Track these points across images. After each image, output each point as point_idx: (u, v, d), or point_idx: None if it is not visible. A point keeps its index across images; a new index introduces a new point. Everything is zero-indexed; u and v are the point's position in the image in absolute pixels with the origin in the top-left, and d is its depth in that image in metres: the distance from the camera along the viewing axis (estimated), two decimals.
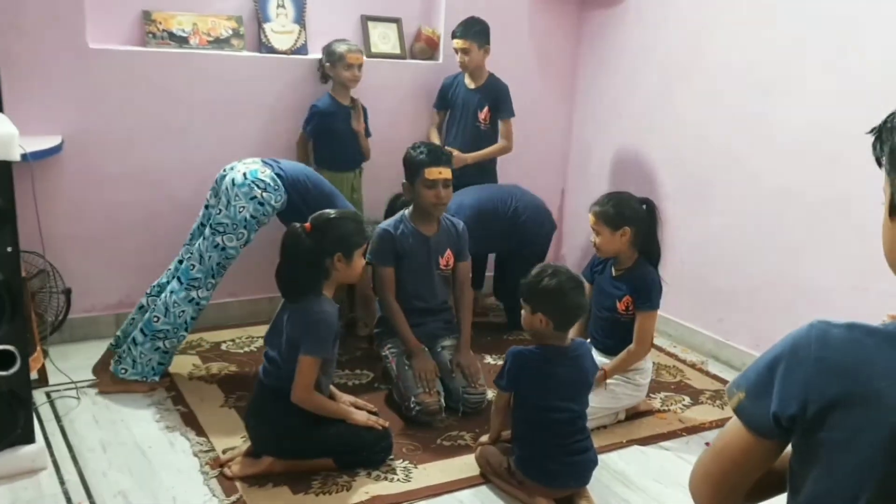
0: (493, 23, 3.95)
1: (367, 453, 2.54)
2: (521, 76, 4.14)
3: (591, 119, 4.27)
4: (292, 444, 2.48)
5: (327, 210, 2.59)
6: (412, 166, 2.95)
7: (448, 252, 3.09)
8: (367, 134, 3.69)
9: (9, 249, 2.33)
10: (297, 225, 2.47)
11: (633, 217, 2.84)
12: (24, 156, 2.62)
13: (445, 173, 2.92)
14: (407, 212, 3.04)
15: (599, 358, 2.87)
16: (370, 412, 2.71)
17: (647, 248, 2.92)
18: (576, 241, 4.31)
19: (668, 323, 3.86)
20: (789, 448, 1.04)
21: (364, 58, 3.55)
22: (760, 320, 3.44)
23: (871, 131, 1.03)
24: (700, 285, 3.70)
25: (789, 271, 3.29)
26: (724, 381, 3.39)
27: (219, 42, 3.46)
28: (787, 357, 1.01)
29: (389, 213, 3.31)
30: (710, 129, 3.58)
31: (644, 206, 2.90)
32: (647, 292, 2.86)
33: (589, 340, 2.98)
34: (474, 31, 3.63)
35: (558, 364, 2.42)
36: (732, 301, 3.56)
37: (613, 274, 2.94)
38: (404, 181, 2.99)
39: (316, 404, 2.45)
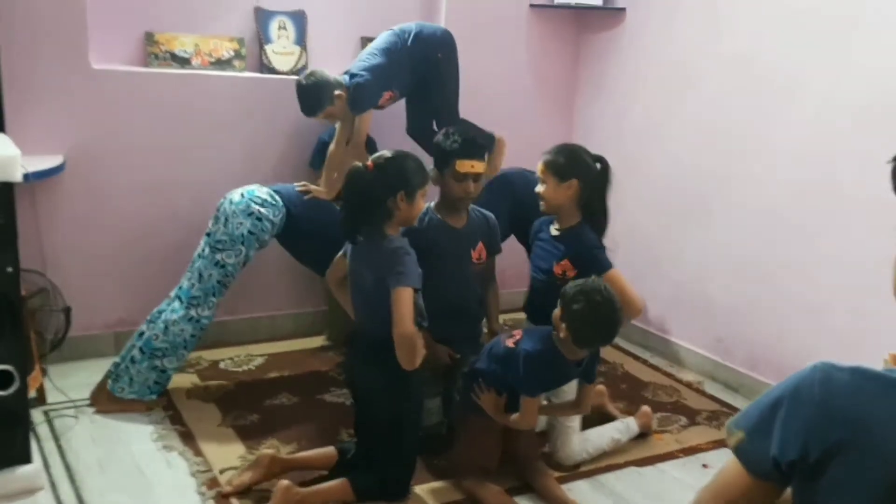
0: (492, 40, 4.02)
1: (397, 478, 2.50)
2: (519, 97, 4.19)
3: (590, 139, 4.25)
4: (389, 404, 2.42)
5: (386, 150, 2.48)
6: (443, 155, 2.74)
7: (480, 244, 2.89)
8: None
9: (9, 269, 2.35)
10: (359, 164, 2.42)
11: (582, 171, 2.69)
12: (26, 176, 2.65)
13: (478, 167, 2.73)
14: (433, 204, 2.84)
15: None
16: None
17: (593, 210, 2.76)
18: None
19: (664, 342, 3.87)
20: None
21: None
22: (758, 341, 3.45)
23: (893, 160, 1.03)
24: (698, 305, 3.71)
25: (787, 291, 3.30)
26: (720, 402, 3.40)
27: (220, 63, 3.50)
28: (788, 399, 1.00)
29: None
30: (707, 148, 3.61)
31: (598, 164, 2.75)
32: (590, 257, 2.66)
33: (523, 306, 2.93)
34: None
35: (557, 372, 2.45)
36: (730, 321, 3.57)
37: (552, 234, 2.78)
38: (433, 167, 2.78)
39: (418, 342, 2.31)
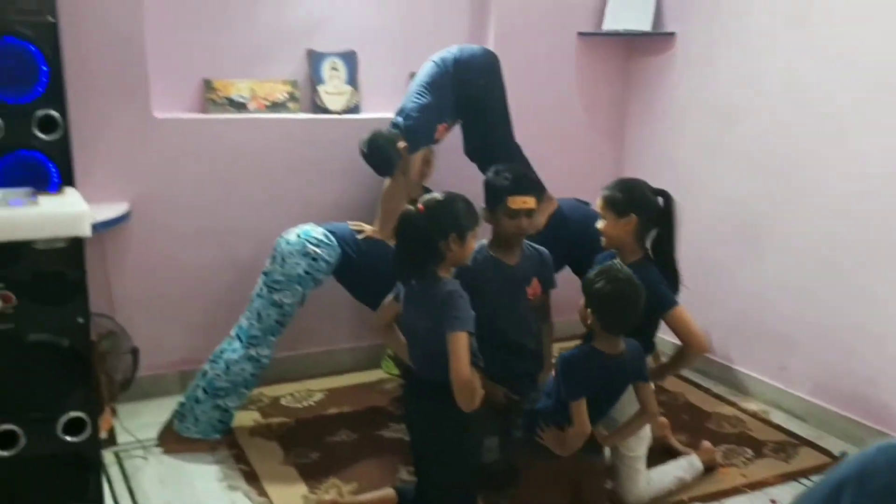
0: (540, 69, 4.04)
1: None
2: (568, 124, 4.19)
3: (641, 165, 4.25)
4: (447, 444, 2.43)
5: (436, 193, 2.51)
6: (494, 192, 2.74)
7: (534, 281, 2.87)
8: None
9: (80, 320, 2.44)
10: (411, 207, 2.44)
11: (641, 206, 2.65)
12: (94, 226, 2.76)
13: (529, 202, 2.72)
14: (485, 241, 2.83)
15: None
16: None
17: (660, 251, 2.71)
18: None
19: (726, 370, 3.79)
20: None
21: (432, 153, 3.55)
22: (823, 367, 3.36)
23: None
24: (759, 331, 3.64)
25: (851, 317, 3.21)
26: (787, 432, 3.32)
27: (276, 106, 3.59)
28: (853, 484, 0.96)
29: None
30: (761, 175, 3.55)
31: (659, 198, 2.70)
32: (653, 293, 2.52)
33: (583, 340, 2.81)
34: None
35: (597, 370, 2.40)
36: (794, 348, 3.48)
37: None
38: (483, 206, 2.79)
39: (476, 384, 2.31)
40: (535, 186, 2.84)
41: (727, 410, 3.53)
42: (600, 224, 2.71)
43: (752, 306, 3.66)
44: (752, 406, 3.57)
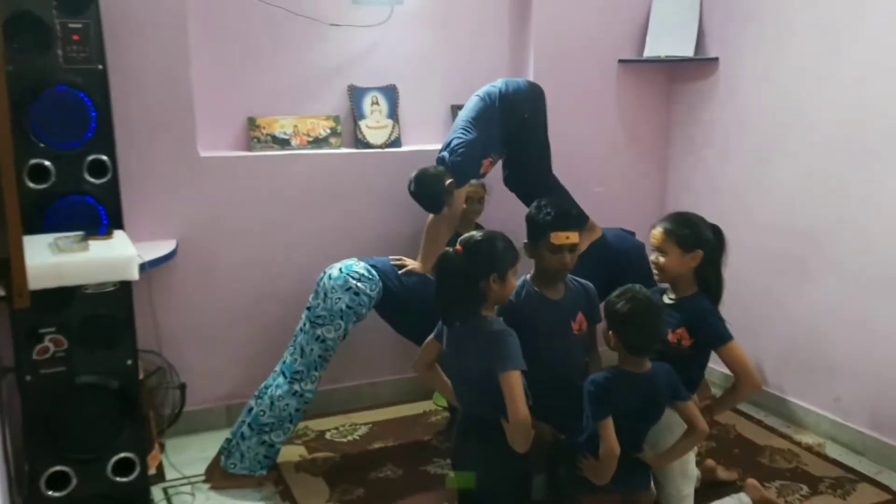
0: (582, 98, 4.01)
1: None
2: (611, 152, 4.16)
3: (686, 191, 4.20)
4: (494, 482, 2.43)
5: (475, 232, 2.51)
6: (536, 227, 2.73)
7: (580, 315, 2.83)
8: None
9: (129, 362, 2.49)
10: (450, 249, 2.45)
11: (706, 241, 2.64)
12: (142, 265, 2.82)
13: (573, 238, 2.69)
14: (528, 276, 2.82)
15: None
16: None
17: (709, 280, 2.69)
18: None
19: (779, 401, 3.69)
20: None
21: (485, 191, 3.59)
22: (880, 399, 3.24)
23: None
24: (813, 362, 3.53)
25: None
26: (845, 467, 3.21)
27: (318, 141, 3.63)
28: None
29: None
30: (812, 198, 3.46)
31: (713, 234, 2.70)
32: (709, 328, 2.57)
33: None
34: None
35: (626, 390, 2.38)
36: (848, 378, 3.38)
37: (667, 302, 2.69)
38: (525, 241, 2.78)
39: (531, 423, 2.31)
40: (577, 221, 2.81)
41: (781, 444, 3.43)
42: (660, 259, 2.65)
43: (804, 335, 3.56)
44: (807, 439, 3.47)
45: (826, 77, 3.37)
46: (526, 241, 2.79)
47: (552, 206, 2.75)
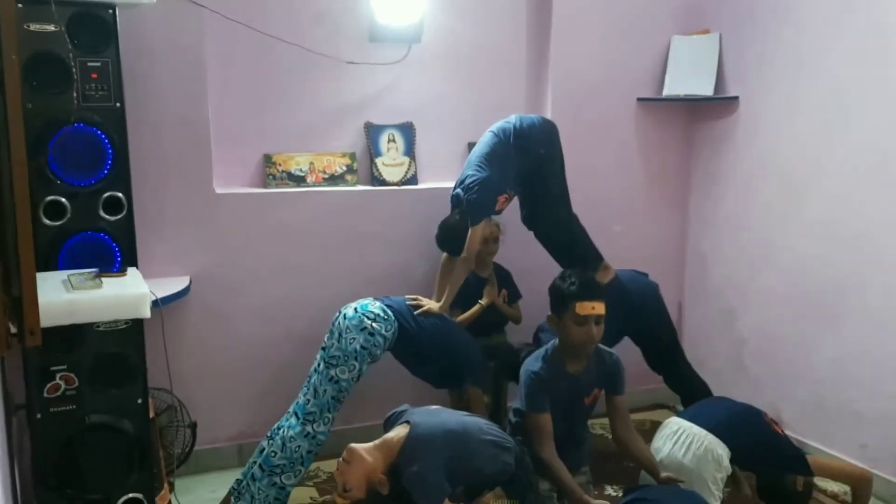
0: (600, 136, 4.00)
1: None
2: (630, 192, 4.13)
3: (707, 231, 4.14)
4: None
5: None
6: (561, 298, 2.69)
7: (594, 391, 2.84)
8: (516, 298, 3.66)
9: (139, 402, 2.45)
10: None
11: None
12: (155, 302, 2.80)
13: (599, 308, 2.64)
14: (550, 347, 2.78)
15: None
16: None
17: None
18: (698, 355, 4.10)
19: (803, 448, 3.58)
20: None
21: (500, 231, 3.58)
22: None
23: None
24: (838, 407, 3.44)
25: None
26: None
27: (333, 178, 3.62)
28: None
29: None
30: (837, 240, 3.40)
31: None
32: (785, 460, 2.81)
33: None
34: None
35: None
36: (876, 425, 3.28)
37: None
38: (550, 313, 2.75)
39: None
40: (602, 292, 2.77)
41: None
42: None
43: (829, 380, 3.47)
44: (833, 487, 3.36)
45: (848, 117, 3.33)
46: (550, 313, 2.75)
47: (577, 275, 2.73)
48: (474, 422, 2.59)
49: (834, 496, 3.28)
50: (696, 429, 2.72)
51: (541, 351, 2.80)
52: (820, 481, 3.41)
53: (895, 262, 3.16)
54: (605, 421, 3.06)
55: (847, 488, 3.32)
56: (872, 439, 3.31)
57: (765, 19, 3.70)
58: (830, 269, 3.43)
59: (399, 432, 2.48)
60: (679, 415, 2.90)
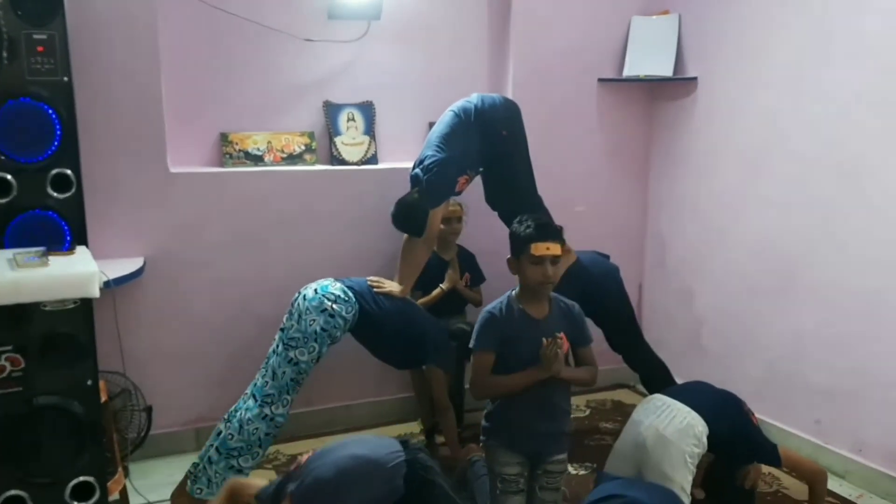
0: (561, 116, 4.00)
1: None
2: (592, 170, 4.13)
3: (666, 211, 4.17)
4: None
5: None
6: (518, 241, 2.70)
7: (562, 336, 2.71)
8: (479, 281, 3.66)
9: (89, 383, 2.39)
10: None
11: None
12: (106, 283, 2.73)
13: (554, 249, 2.65)
14: (513, 292, 2.76)
15: None
16: None
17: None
18: (658, 335, 4.13)
19: (760, 425, 3.63)
20: None
21: (463, 211, 3.55)
22: (862, 422, 3.20)
23: None
24: (792, 384, 3.49)
25: (890, 370, 3.07)
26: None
27: (292, 158, 3.57)
28: None
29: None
30: (794, 216, 3.43)
31: None
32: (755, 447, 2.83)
33: None
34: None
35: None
36: (830, 401, 3.34)
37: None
38: (509, 257, 2.75)
39: None
40: (558, 233, 2.76)
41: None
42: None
43: (786, 357, 3.52)
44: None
45: (803, 97, 3.36)
46: (509, 256, 2.74)
47: (532, 218, 2.71)
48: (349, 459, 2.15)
49: (789, 472, 3.32)
50: (679, 405, 2.74)
51: (503, 296, 2.77)
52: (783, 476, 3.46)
53: (848, 240, 3.21)
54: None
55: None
56: (826, 415, 3.37)
57: (723, 0, 3.72)
58: (785, 247, 3.48)
59: None
60: (662, 392, 2.92)
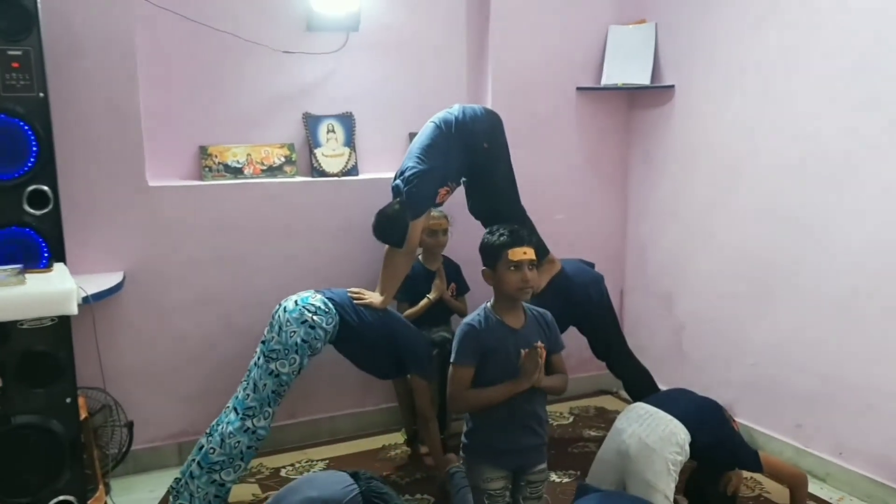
0: (540, 125, 4.02)
1: None
2: (571, 178, 4.15)
3: (646, 218, 4.20)
4: None
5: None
6: (492, 250, 2.68)
7: (540, 343, 2.69)
8: (464, 291, 3.69)
9: (68, 401, 2.37)
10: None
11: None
12: (86, 299, 2.72)
13: (530, 253, 2.65)
14: (489, 304, 2.74)
15: None
16: None
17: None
18: (638, 341, 4.15)
19: (741, 430, 3.66)
20: None
21: (448, 222, 3.56)
22: (843, 426, 3.23)
23: None
24: (773, 388, 3.52)
25: (869, 374, 3.10)
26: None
27: (272, 170, 3.56)
28: None
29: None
30: (772, 222, 3.47)
31: None
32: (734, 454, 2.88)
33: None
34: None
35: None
36: (810, 405, 3.37)
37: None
38: (484, 268, 2.72)
39: None
40: (531, 238, 2.76)
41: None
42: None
43: (766, 362, 3.55)
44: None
45: (780, 104, 3.39)
46: (484, 268, 2.74)
47: (504, 227, 2.72)
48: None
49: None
50: (661, 413, 2.76)
51: (479, 308, 2.76)
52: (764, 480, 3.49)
53: (827, 245, 3.24)
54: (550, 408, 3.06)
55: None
56: (807, 419, 3.40)
57: (699, 9, 3.76)
58: (765, 253, 3.51)
59: None
60: (644, 401, 2.93)
